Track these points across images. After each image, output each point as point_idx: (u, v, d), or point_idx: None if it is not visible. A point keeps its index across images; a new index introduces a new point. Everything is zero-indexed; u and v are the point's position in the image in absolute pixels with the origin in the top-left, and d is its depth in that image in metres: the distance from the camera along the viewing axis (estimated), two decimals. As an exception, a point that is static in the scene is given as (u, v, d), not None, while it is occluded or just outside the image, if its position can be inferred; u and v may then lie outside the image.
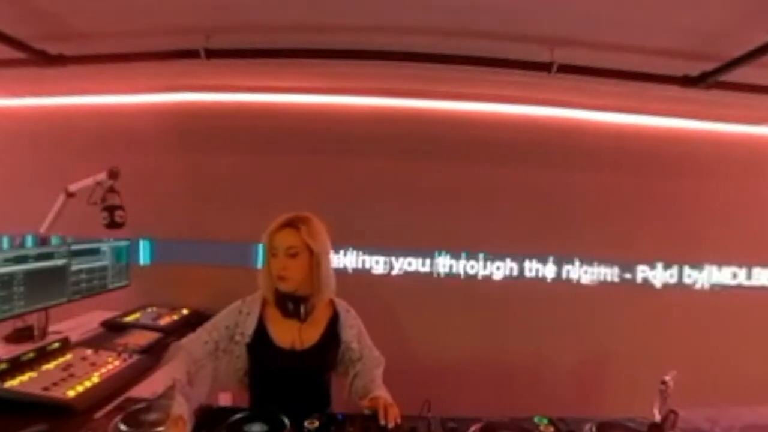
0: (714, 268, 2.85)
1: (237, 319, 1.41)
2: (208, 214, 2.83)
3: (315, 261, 1.38)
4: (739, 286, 2.86)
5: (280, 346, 1.37)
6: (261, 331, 1.39)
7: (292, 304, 1.37)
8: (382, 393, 1.38)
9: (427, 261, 2.82)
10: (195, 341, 1.40)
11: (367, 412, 1.30)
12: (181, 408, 1.08)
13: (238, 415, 1.23)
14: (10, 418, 1.25)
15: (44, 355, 1.63)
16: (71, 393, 1.38)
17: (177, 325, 2.31)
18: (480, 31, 1.99)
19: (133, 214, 2.25)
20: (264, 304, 1.44)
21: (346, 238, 2.74)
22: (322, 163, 2.81)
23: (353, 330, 1.44)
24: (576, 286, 2.83)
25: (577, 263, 2.83)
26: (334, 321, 1.44)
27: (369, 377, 1.44)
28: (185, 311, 2.53)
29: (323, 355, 1.40)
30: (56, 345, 1.71)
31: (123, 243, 2.52)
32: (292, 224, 1.37)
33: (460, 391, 2.57)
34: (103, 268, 2.34)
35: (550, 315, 2.82)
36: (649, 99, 2.55)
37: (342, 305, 1.49)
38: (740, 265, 2.86)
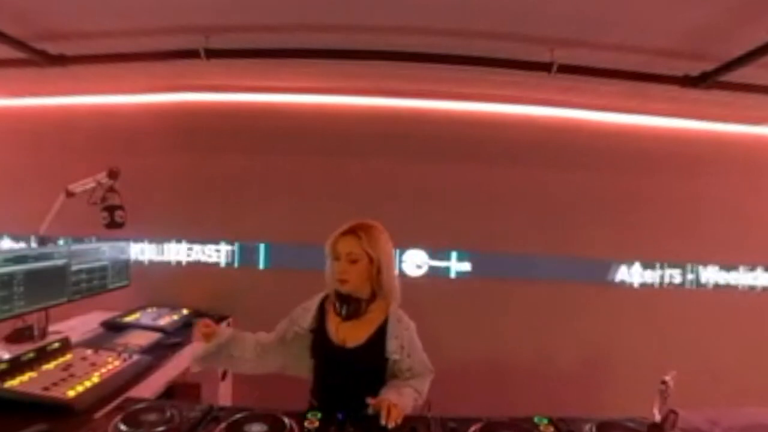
0: (714, 268, 2.86)
1: (299, 314, 1.55)
2: (208, 213, 2.83)
3: (375, 268, 1.47)
4: (740, 286, 2.86)
5: (332, 340, 1.46)
6: (320, 324, 1.50)
7: (339, 303, 1.46)
8: (389, 395, 1.37)
9: (426, 260, 2.82)
10: (275, 329, 1.59)
11: (371, 411, 1.30)
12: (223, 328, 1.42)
13: (238, 415, 1.23)
14: (10, 418, 1.25)
15: (44, 355, 1.63)
16: (71, 393, 1.38)
17: (177, 325, 2.30)
18: (480, 31, 1.99)
19: (133, 214, 2.25)
20: (327, 300, 1.55)
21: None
22: (322, 163, 2.81)
23: (397, 341, 1.46)
24: (576, 286, 2.83)
25: (576, 263, 2.82)
26: (383, 327, 1.48)
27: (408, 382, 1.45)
28: (185, 311, 2.52)
29: (365, 357, 1.45)
30: (56, 345, 1.71)
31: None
32: (354, 232, 1.46)
33: (460, 391, 2.56)
34: (103, 268, 2.34)
35: (550, 315, 2.82)
36: (650, 99, 2.54)
37: (395, 314, 1.51)
38: (741, 265, 2.86)
